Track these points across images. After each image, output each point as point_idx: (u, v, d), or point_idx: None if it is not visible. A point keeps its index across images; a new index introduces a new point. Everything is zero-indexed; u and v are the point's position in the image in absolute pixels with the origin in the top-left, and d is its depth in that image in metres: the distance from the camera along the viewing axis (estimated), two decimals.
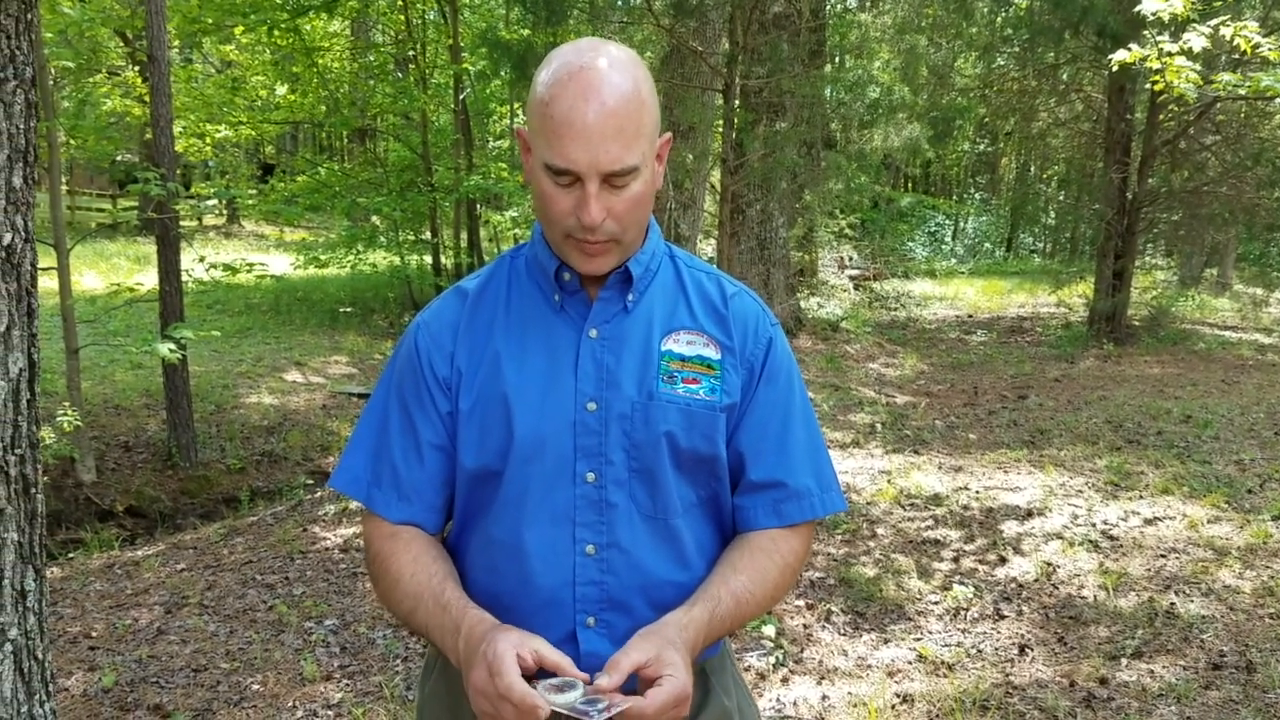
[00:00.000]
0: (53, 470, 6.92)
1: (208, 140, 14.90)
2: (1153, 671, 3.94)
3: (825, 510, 1.53)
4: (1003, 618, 4.49)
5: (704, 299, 1.54)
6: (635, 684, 1.28)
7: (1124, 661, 4.02)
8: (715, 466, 1.50)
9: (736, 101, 8.96)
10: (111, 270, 15.72)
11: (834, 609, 4.58)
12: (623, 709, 1.24)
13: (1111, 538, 5.37)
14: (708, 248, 14.53)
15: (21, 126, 1.85)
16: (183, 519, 7.06)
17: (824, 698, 3.78)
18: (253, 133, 16.03)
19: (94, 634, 4.45)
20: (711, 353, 1.49)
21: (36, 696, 1.83)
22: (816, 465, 1.55)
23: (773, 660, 4.05)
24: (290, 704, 3.84)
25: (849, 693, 3.82)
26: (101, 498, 7.03)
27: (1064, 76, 13.84)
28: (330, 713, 3.77)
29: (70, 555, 5.84)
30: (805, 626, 4.41)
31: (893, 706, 3.70)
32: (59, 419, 6.44)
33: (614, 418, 1.44)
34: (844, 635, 4.35)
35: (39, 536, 1.86)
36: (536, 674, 1.25)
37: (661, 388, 1.46)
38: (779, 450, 1.52)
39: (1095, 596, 4.65)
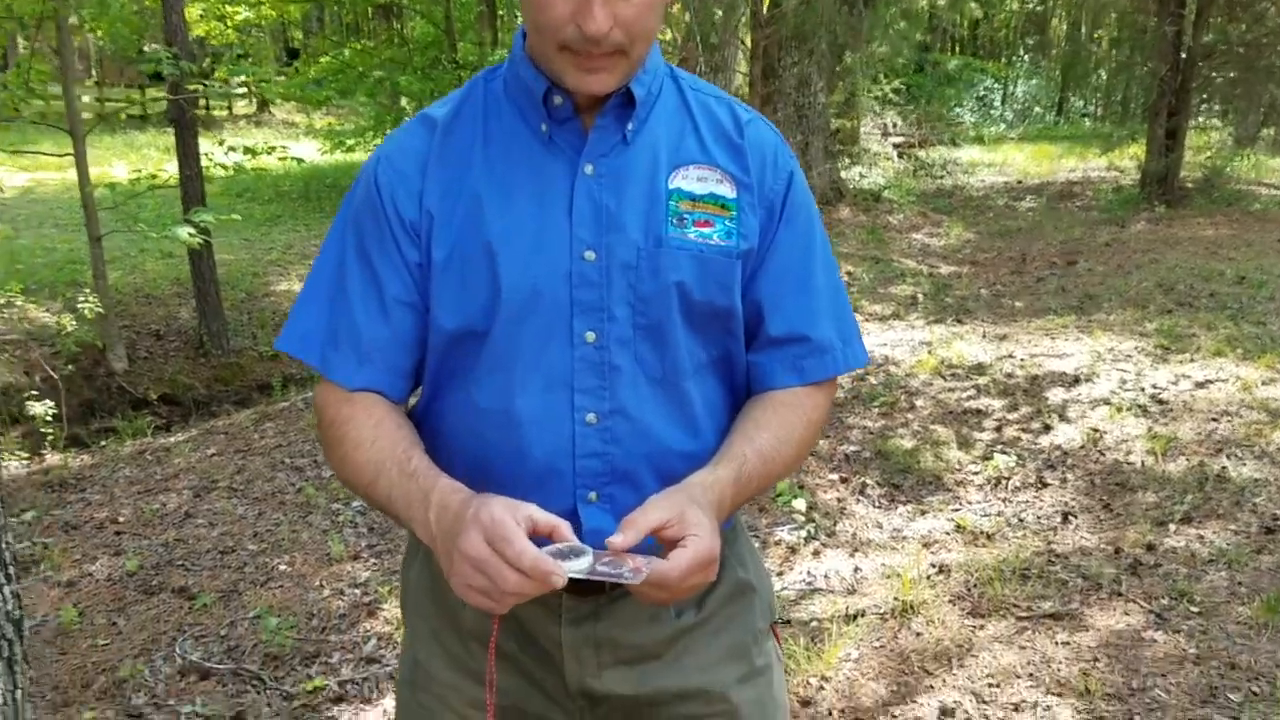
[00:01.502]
0: (84, 360, 6.91)
1: (229, 23, 14.56)
2: (1202, 537, 3.78)
3: (848, 366, 1.36)
4: (1045, 486, 4.34)
5: (715, 127, 1.32)
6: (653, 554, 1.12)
7: (1172, 527, 3.86)
8: (730, 321, 1.31)
9: None
10: (141, 161, 15.56)
11: (869, 482, 4.44)
12: (652, 569, 1.07)
13: (1161, 402, 5.16)
14: None
15: None
16: (217, 406, 7.06)
17: (856, 570, 3.67)
18: (273, 13, 15.65)
19: (121, 519, 4.44)
20: (726, 190, 1.29)
21: None
22: (838, 316, 1.36)
23: (804, 534, 3.94)
24: (317, 583, 3.81)
25: (882, 564, 3.70)
26: (135, 386, 7.03)
27: None
28: (357, 591, 3.74)
29: (103, 444, 5.85)
30: (839, 500, 4.29)
31: (928, 577, 3.58)
32: (80, 306, 6.39)
33: (617, 268, 1.24)
34: (879, 508, 4.22)
35: None
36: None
37: (670, 232, 1.26)
38: (800, 301, 1.33)
39: (1143, 462, 4.47)
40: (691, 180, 1.28)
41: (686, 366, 1.29)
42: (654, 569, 1.07)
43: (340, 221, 1.33)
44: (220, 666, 3.28)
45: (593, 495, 1.27)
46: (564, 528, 1.09)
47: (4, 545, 1.71)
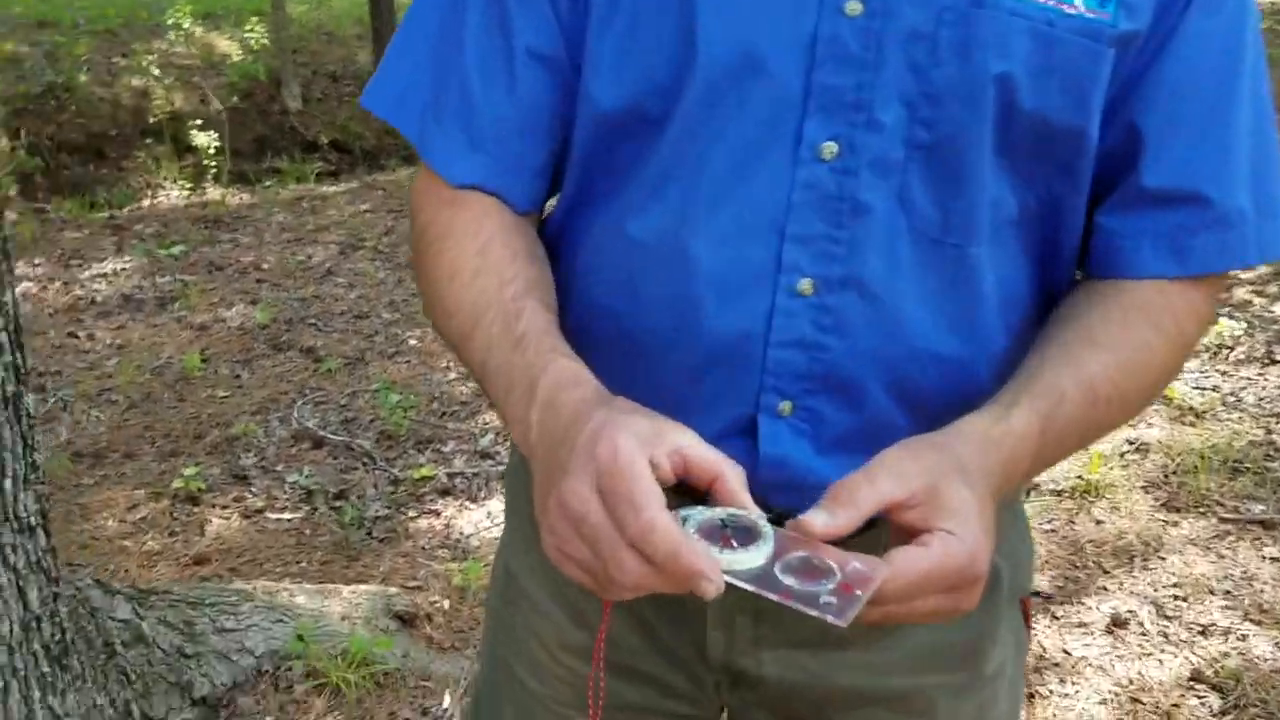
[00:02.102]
0: (258, 95, 6.81)
1: None
2: None
3: (1263, 255, 0.83)
4: (1275, 363, 3.74)
5: None
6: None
7: None
8: (1076, 151, 0.80)
9: None
10: None
11: None
12: (871, 593, 0.63)
13: None
14: None
15: None
16: (385, 159, 6.92)
17: None
18: None
19: (265, 266, 4.34)
20: None
21: None
22: (1261, 172, 0.82)
23: None
24: (444, 364, 3.63)
25: None
26: (306, 128, 6.93)
27: None
28: None
29: (266, 184, 5.76)
30: None
31: (1121, 454, 3.12)
32: (246, 35, 6.20)
33: (896, 36, 0.75)
34: None
35: None
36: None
37: None
38: (1206, 138, 0.81)
39: None
40: None
41: (983, 221, 0.80)
42: (876, 590, 0.63)
43: None
44: (335, 437, 3.15)
45: (784, 406, 0.82)
46: (733, 478, 0.65)
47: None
